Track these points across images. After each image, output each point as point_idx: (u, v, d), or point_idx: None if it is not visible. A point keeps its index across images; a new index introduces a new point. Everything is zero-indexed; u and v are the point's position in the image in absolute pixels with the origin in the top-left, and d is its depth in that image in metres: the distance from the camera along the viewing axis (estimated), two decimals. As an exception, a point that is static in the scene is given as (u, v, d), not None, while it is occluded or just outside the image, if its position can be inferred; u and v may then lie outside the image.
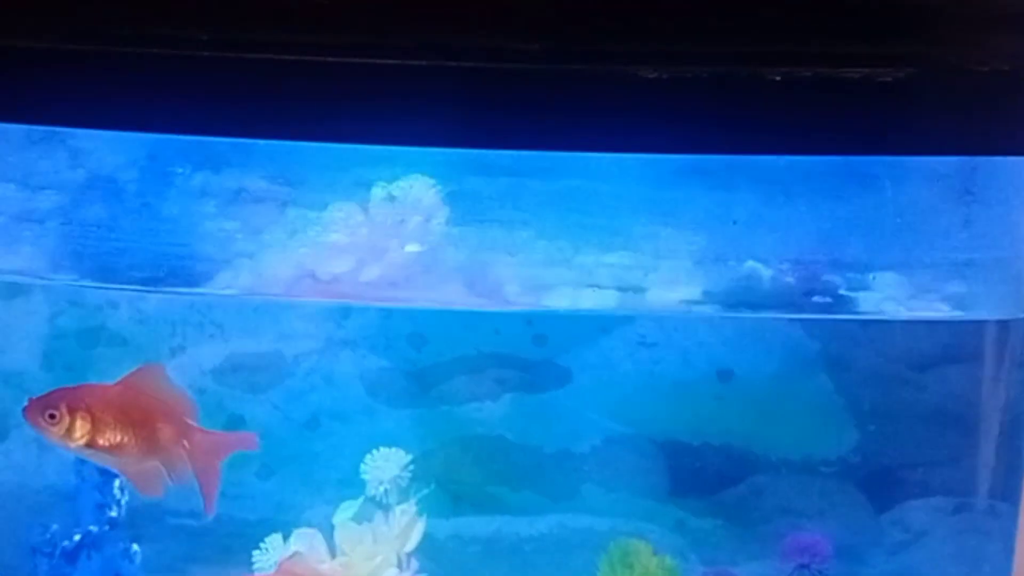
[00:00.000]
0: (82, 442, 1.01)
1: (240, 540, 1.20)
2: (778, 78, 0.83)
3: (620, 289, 1.02)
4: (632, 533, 1.20)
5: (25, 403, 1.03)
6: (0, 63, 0.92)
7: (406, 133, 0.88)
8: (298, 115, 0.91)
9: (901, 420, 1.22)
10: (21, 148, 1.04)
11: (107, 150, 1.04)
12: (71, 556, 1.19)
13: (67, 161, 1.05)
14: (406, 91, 0.85)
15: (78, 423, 1.01)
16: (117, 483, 1.19)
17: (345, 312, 1.24)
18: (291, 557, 1.15)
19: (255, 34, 0.90)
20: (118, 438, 1.02)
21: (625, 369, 1.23)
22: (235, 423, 1.26)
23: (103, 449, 1.02)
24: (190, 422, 1.05)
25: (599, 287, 1.02)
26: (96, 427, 1.01)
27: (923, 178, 0.96)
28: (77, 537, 1.19)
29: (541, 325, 1.23)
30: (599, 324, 1.23)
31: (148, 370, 1.05)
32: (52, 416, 1.01)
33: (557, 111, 0.85)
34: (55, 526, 1.21)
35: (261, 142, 0.98)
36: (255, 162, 1.03)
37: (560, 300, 1.04)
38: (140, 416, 1.03)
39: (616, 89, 0.84)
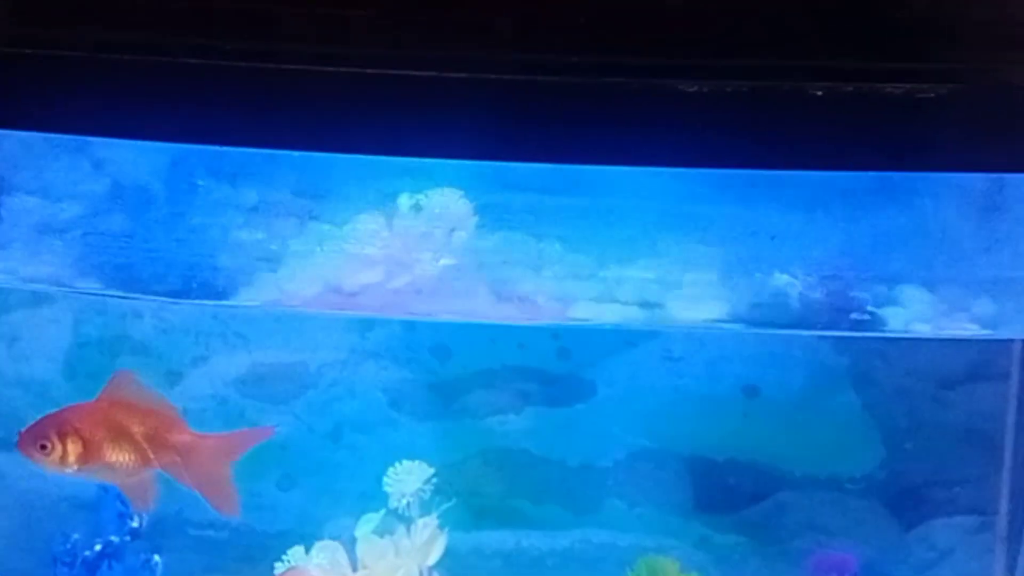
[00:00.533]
0: (75, 466, 1.01)
1: (261, 551, 1.20)
2: (819, 93, 0.82)
3: (646, 304, 1.01)
4: (655, 549, 1.19)
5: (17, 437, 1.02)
6: (26, 73, 0.92)
7: (444, 146, 0.88)
8: (327, 126, 0.90)
9: (928, 437, 1.21)
10: (45, 159, 1.04)
11: (131, 161, 1.04)
12: (92, 566, 1.19)
13: (90, 172, 1.05)
14: (445, 103, 0.85)
15: (70, 447, 1.01)
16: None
17: (369, 324, 1.24)
18: (287, 572, 1.15)
19: (282, 45, 0.90)
20: (110, 454, 1.02)
21: (650, 383, 1.22)
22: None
23: (97, 467, 1.01)
24: (187, 428, 1.05)
25: (624, 301, 1.01)
26: (88, 448, 1.01)
27: (953, 194, 0.95)
28: (98, 547, 1.19)
29: (566, 338, 1.23)
30: (624, 338, 1.23)
31: (122, 378, 1.04)
32: (44, 447, 1.00)
33: (596, 124, 0.84)
34: (76, 536, 1.21)
35: (287, 153, 0.98)
36: (281, 174, 1.03)
37: (585, 314, 1.03)
38: (128, 427, 1.02)
39: (655, 103, 0.83)
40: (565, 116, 0.84)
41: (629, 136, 0.84)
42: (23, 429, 1.02)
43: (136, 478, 1.03)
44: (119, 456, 1.02)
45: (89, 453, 1.01)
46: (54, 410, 1.04)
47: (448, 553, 1.17)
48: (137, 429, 1.03)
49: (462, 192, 1.01)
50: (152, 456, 1.03)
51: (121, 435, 1.02)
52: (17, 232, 1.05)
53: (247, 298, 1.05)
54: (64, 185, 1.04)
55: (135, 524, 1.19)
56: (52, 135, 1.01)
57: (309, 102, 0.89)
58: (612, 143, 0.85)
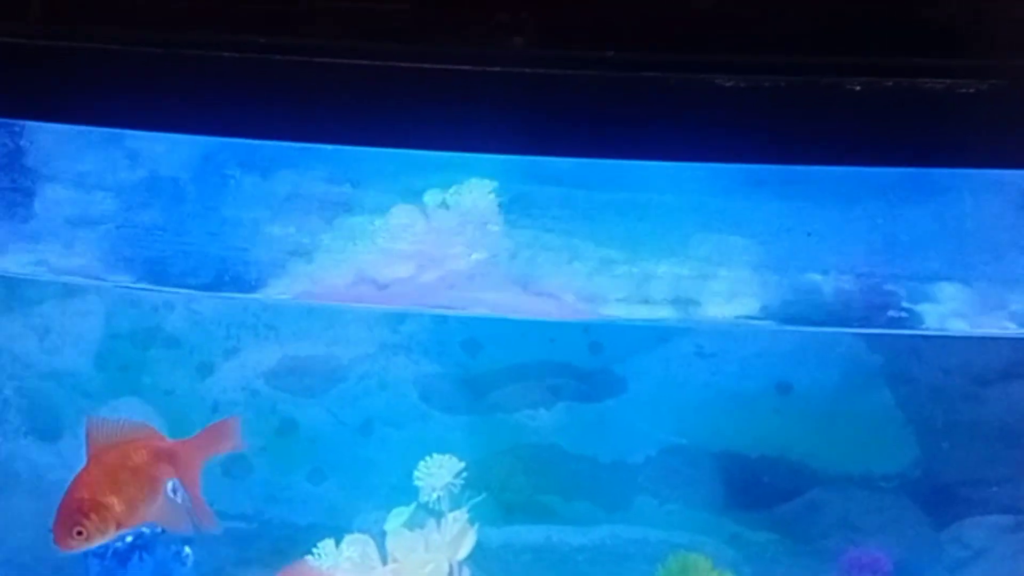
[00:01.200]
0: (114, 529, 1.01)
1: (291, 544, 1.20)
2: (858, 88, 0.81)
3: (678, 300, 1.01)
4: (686, 545, 1.19)
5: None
6: (60, 65, 0.93)
7: (478, 140, 0.87)
8: (360, 120, 0.90)
9: (962, 436, 1.20)
10: (78, 152, 1.05)
11: (163, 155, 1.04)
12: (123, 558, 1.19)
13: (124, 165, 1.05)
14: (479, 98, 0.84)
15: (100, 518, 1.01)
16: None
17: (400, 318, 1.24)
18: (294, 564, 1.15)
19: (315, 39, 0.90)
20: (133, 499, 1.02)
21: (682, 379, 1.22)
22: (288, 427, 1.26)
23: (132, 516, 1.02)
24: (166, 438, 1.05)
25: (657, 297, 1.01)
26: (113, 508, 1.01)
27: (992, 191, 0.95)
28: (129, 539, 1.19)
29: (597, 333, 1.22)
30: (656, 334, 1.22)
31: (95, 427, 1.04)
32: (80, 533, 1.00)
33: (632, 119, 0.84)
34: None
35: (319, 147, 0.98)
36: (313, 167, 1.03)
37: (617, 309, 1.03)
38: (127, 469, 1.03)
39: (692, 98, 0.82)
40: (601, 111, 0.84)
41: (665, 131, 0.84)
42: (53, 526, 1.02)
43: (160, 507, 1.03)
44: (138, 495, 1.02)
45: (118, 511, 1.01)
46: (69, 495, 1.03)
47: (478, 547, 1.17)
48: (134, 464, 1.03)
49: (495, 186, 1.01)
50: (157, 476, 1.03)
51: (128, 479, 1.02)
52: (51, 225, 1.05)
53: (278, 291, 1.05)
54: (97, 178, 1.05)
55: (166, 516, 1.19)
56: (86, 128, 1.01)
57: (342, 96, 0.89)
58: (648, 138, 0.84)
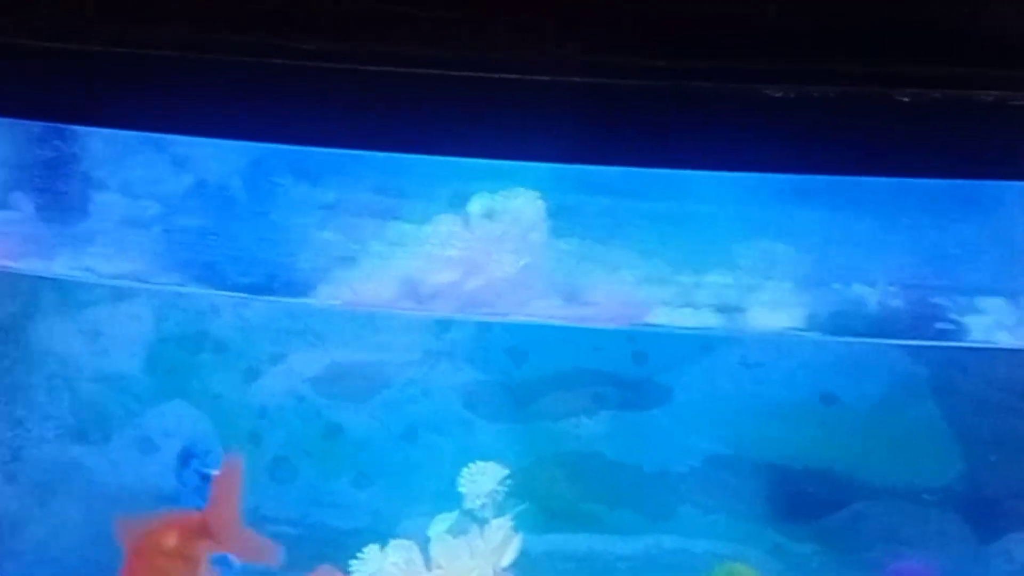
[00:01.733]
0: None
1: (336, 548, 1.21)
2: (907, 99, 0.81)
3: (723, 309, 1.01)
4: (729, 556, 1.19)
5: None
6: (112, 69, 0.94)
7: (524, 148, 0.88)
8: (407, 128, 0.91)
9: (1008, 449, 1.19)
10: (127, 155, 1.06)
11: (213, 160, 1.06)
12: (171, 557, 1.20)
13: (173, 170, 1.06)
14: (526, 106, 0.85)
15: None
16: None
17: (445, 325, 1.24)
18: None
19: (363, 45, 0.91)
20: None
21: (726, 389, 1.22)
22: (333, 432, 1.27)
23: None
24: (193, 513, 1.07)
25: (702, 306, 1.01)
26: None
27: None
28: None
29: (642, 342, 1.22)
30: (701, 343, 1.22)
31: (121, 524, 1.05)
32: None
33: (679, 128, 0.84)
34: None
35: (367, 154, 0.99)
36: (361, 174, 1.04)
37: (661, 318, 1.03)
38: (165, 555, 1.04)
39: (741, 107, 0.83)
40: (648, 120, 0.84)
41: (712, 140, 0.84)
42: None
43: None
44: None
45: None
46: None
47: (521, 555, 1.17)
48: (168, 549, 1.05)
49: (541, 195, 1.02)
50: (195, 554, 1.05)
51: (165, 565, 1.04)
52: (101, 228, 1.07)
53: (325, 296, 1.06)
54: (147, 183, 1.06)
55: (212, 518, 1.21)
56: (136, 134, 1.03)
57: (391, 104, 0.90)
58: (695, 148, 0.84)
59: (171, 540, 1.04)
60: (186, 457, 1.23)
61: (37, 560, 1.27)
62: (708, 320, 1.01)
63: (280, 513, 1.24)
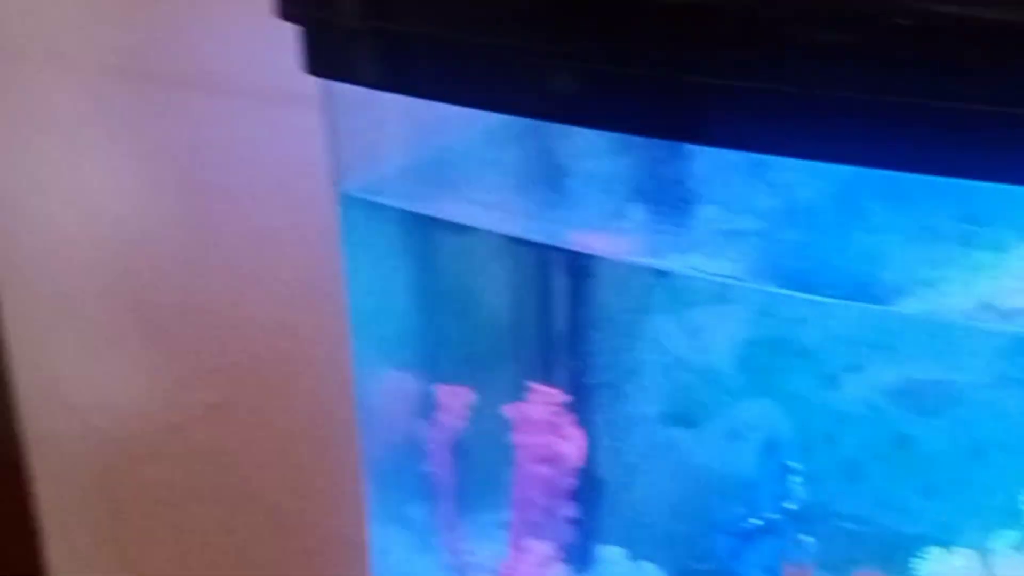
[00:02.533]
0: None
1: (897, 550, 1.29)
2: None
3: None
4: None
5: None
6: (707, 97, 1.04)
7: None
8: (991, 158, 0.95)
9: None
10: (728, 173, 1.20)
11: (804, 182, 1.18)
12: (747, 537, 1.33)
13: (766, 187, 1.20)
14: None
15: None
16: (793, 478, 1.32)
17: (1020, 349, 1.28)
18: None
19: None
20: None
21: None
22: (903, 443, 1.34)
23: None
24: None
25: None
26: None
27: None
28: (755, 521, 1.34)
29: None
30: None
31: None
32: None
33: None
34: (737, 509, 1.36)
35: (949, 181, 1.05)
36: (941, 201, 1.11)
37: None
38: None
39: None
40: None
41: None
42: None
43: None
44: None
45: None
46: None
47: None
48: None
49: None
50: None
51: None
52: (704, 236, 1.22)
53: (902, 312, 1.14)
54: (745, 198, 1.20)
55: (789, 506, 1.33)
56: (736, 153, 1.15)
57: (979, 134, 0.95)
58: None
59: None
60: (769, 448, 1.36)
61: (632, 523, 1.45)
62: None
63: (847, 510, 1.34)
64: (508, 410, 1.27)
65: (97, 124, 1.80)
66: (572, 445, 1.25)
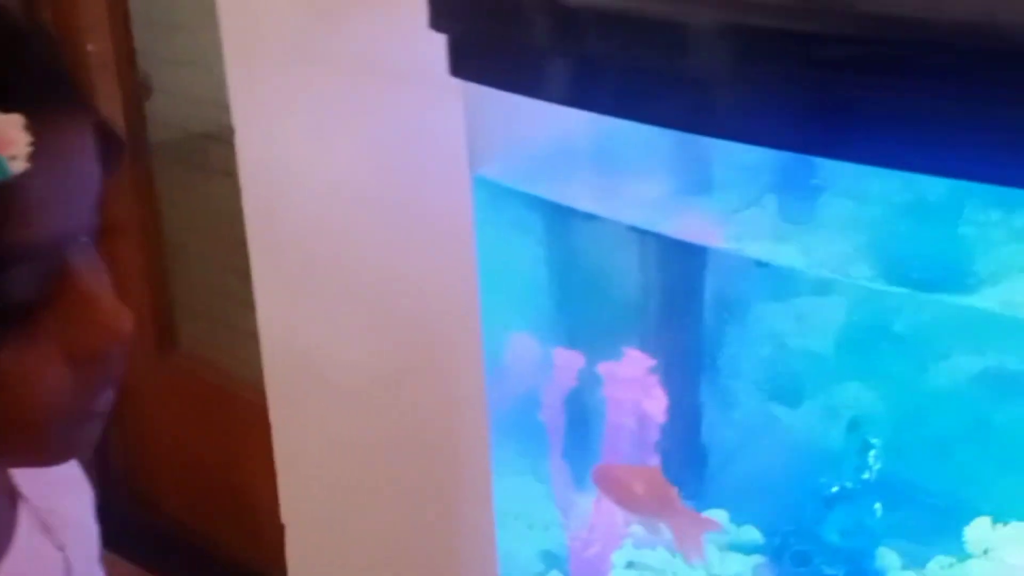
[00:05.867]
0: None
1: (970, 524, 1.39)
2: None
3: None
4: None
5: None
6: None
7: None
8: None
9: None
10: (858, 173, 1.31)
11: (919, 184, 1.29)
12: (829, 503, 1.47)
13: (880, 186, 1.30)
14: None
15: None
16: (872, 453, 1.45)
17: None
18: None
19: None
20: None
21: None
22: (984, 425, 1.44)
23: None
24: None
25: None
26: None
27: None
28: (836, 489, 1.47)
29: None
30: None
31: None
32: None
33: None
34: (824, 478, 1.49)
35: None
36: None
37: None
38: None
39: None
40: None
41: None
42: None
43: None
44: None
45: None
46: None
47: None
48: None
49: None
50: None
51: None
52: (821, 228, 1.33)
53: (994, 301, 1.24)
54: (864, 196, 1.30)
55: (866, 476, 1.45)
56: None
57: None
58: None
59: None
60: (854, 426, 1.48)
61: (740, 490, 1.58)
62: None
63: (930, 485, 1.45)
64: (602, 368, 1.42)
65: (330, 114, 1.98)
66: (656, 404, 1.38)
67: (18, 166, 0.69)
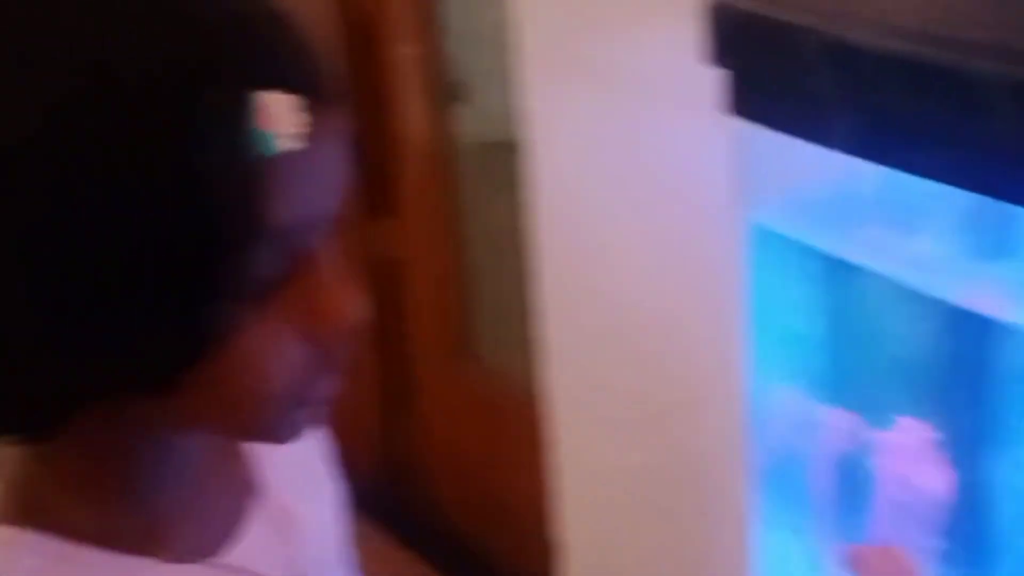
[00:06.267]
0: None
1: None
2: None
3: None
4: None
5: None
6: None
7: None
8: None
9: None
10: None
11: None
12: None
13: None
14: None
15: None
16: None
17: None
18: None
19: None
20: None
21: None
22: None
23: None
24: None
25: None
26: None
27: None
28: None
29: None
30: None
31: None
32: None
33: None
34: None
35: None
36: None
37: None
38: None
39: None
40: None
41: None
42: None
43: None
44: None
45: None
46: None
47: None
48: None
49: None
50: None
51: None
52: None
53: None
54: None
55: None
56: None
57: None
58: None
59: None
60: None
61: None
62: None
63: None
64: (877, 436, 1.32)
65: (612, 137, 1.96)
66: (937, 479, 1.27)
67: (284, 144, 0.71)
